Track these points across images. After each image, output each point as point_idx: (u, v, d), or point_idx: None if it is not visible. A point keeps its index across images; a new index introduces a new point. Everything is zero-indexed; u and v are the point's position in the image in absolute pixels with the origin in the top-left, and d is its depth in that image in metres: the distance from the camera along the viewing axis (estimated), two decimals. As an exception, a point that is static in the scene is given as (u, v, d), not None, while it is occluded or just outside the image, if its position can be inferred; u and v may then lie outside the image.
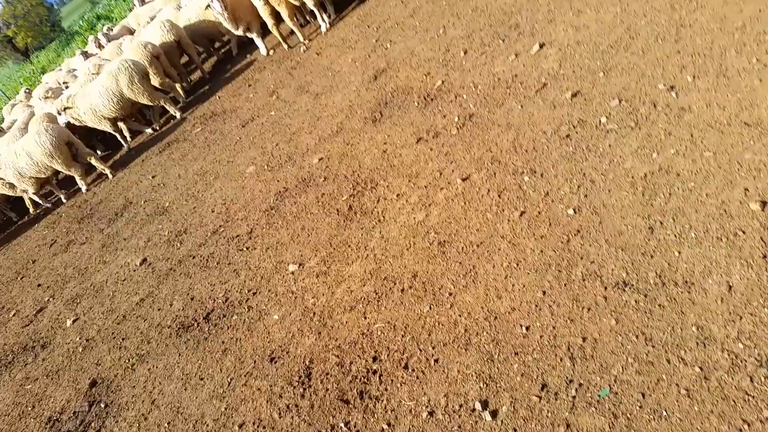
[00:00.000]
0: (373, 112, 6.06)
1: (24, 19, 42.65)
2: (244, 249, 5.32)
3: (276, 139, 7.02)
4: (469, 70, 5.58)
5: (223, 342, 4.33)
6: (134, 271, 6.09)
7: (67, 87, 12.33)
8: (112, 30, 16.36)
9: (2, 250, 9.63)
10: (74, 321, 5.84)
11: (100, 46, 15.06)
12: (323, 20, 9.29)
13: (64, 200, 9.95)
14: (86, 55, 14.89)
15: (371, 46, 7.64)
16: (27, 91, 16.36)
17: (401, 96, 5.99)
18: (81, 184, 9.65)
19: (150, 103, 9.74)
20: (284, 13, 9.10)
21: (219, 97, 9.80)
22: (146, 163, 9.13)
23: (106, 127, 10.01)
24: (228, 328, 4.45)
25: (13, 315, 6.96)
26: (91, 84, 9.87)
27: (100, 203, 8.74)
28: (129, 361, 4.71)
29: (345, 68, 7.61)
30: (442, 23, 6.87)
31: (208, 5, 10.07)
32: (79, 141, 9.55)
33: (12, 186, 10.07)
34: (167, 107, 9.95)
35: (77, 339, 5.47)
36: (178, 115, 9.98)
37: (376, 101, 6.22)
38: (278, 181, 6.07)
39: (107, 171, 9.50)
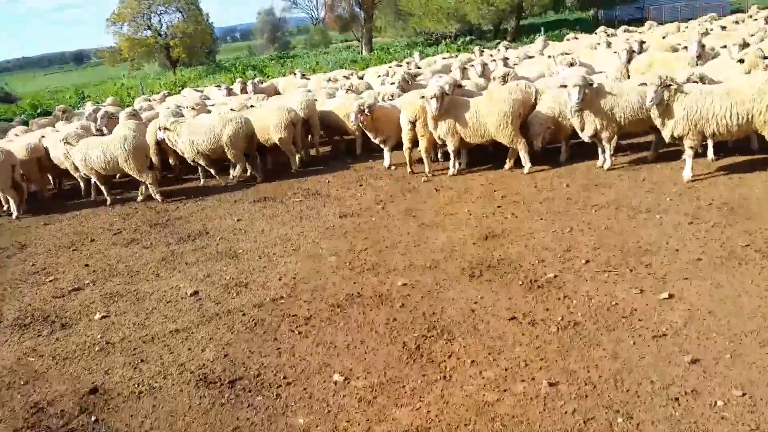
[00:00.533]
0: (474, 268, 5.94)
1: (189, 38, 46.79)
2: (296, 332, 5.09)
3: (366, 244, 6.98)
4: (586, 280, 5.42)
5: (237, 419, 4.00)
6: (183, 298, 5.95)
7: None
8: (262, 83, 17.56)
9: (69, 217, 9.79)
10: (103, 317, 5.67)
11: (244, 90, 16.09)
12: (454, 165, 9.53)
13: (139, 198, 10.20)
14: (229, 91, 15.86)
15: (491, 209, 7.68)
16: (166, 94, 17.50)
17: (507, 267, 5.86)
18: (153, 192, 9.93)
19: (233, 160, 10.22)
20: (422, 144, 9.46)
21: (328, 182, 10.03)
22: (237, 205, 9.28)
23: (199, 160, 10.32)
24: (248, 406, 4.13)
25: (50, 281, 6.89)
26: (202, 119, 10.41)
27: (179, 219, 8.84)
28: (139, 386, 4.43)
29: (458, 215, 7.64)
30: (570, 224, 6.84)
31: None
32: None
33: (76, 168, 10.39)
34: (236, 170, 10.43)
35: (98, 337, 5.27)
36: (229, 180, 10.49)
37: (480, 260, 6.12)
38: (355, 283, 5.93)
39: (158, 196, 9.90)
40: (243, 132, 9.96)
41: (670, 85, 7.36)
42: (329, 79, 15.94)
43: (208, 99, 15.03)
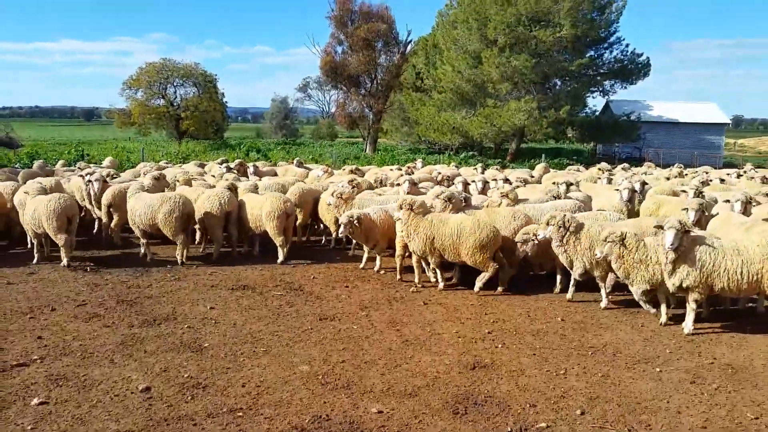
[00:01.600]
0: (458, 403, 5.40)
1: (200, 113, 47.73)
2: (250, 456, 4.48)
3: (343, 356, 6.45)
4: (581, 435, 4.89)
5: None
6: (132, 393, 5.33)
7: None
8: (264, 166, 17.56)
9: (37, 278, 9.23)
10: (41, 403, 5.04)
11: (245, 173, 16.04)
12: (440, 280, 9.19)
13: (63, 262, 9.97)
14: (228, 168, 15.74)
15: (481, 334, 7.22)
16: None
17: (495, 408, 5.32)
18: (63, 255, 9.82)
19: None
20: (415, 256, 9.18)
21: (313, 278, 9.60)
22: (214, 291, 8.78)
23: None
24: None
25: (-5, 350, 6.25)
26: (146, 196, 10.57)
27: (149, 298, 8.30)
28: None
29: (445, 335, 7.16)
30: (565, 365, 6.37)
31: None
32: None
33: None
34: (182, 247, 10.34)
35: (28, 428, 4.62)
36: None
37: (466, 394, 5.58)
38: (325, 402, 5.35)
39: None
40: (178, 212, 10.01)
41: (690, 231, 7.15)
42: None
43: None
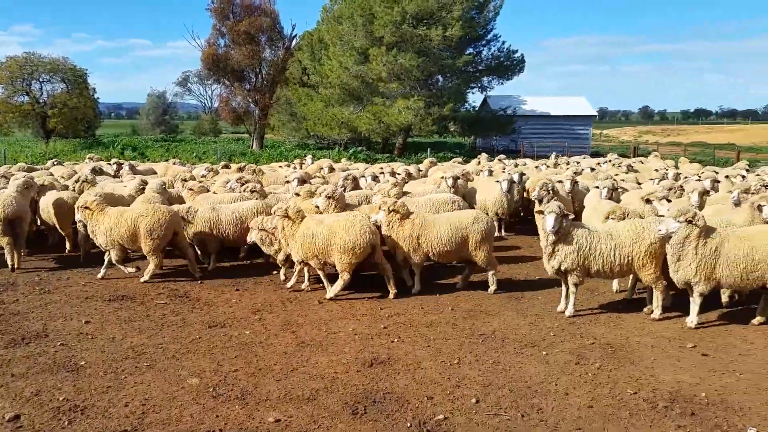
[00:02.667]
0: (357, 402, 5.33)
1: (69, 110, 44.20)
2: (137, 480, 4.14)
3: (236, 364, 6.17)
4: (478, 425, 4.99)
5: None
6: (0, 425, 4.77)
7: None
8: (138, 166, 16.58)
9: None
10: None
11: (116, 173, 15.09)
12: (330, 287, 8.51)
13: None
14: (100, 171, 14.63)
15: (378, 330, 7.21)
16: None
17: (394, 405, 5.30)
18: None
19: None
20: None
21: (200, 283, 9.15)
22: (88, 303, 8.12)
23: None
24: None
25: None
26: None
27: (16, 315, 7.53)
28: None
29: (342, 334, 7.07)
30: (458, 354, 6.50)
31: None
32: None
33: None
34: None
35: None
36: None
37: (365, 392, 5.53)
38: (217, 416, 5.07)
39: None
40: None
41: (568, 215, 7.54)
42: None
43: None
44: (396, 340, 6.90)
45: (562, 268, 7.58)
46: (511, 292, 8.83)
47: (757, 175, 13.23)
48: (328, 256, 8.33)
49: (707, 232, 7.01)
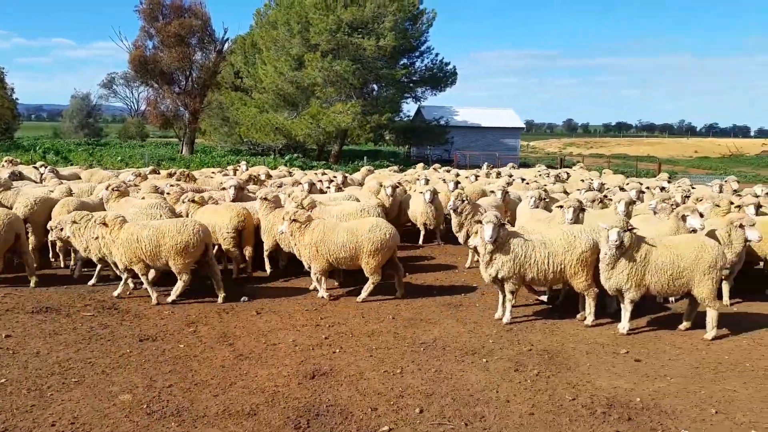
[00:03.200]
0: (300, 416, 5.19)
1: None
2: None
3: (171, 379, 5.91)
4: (423, 434, 4.97)
5: None
6: None
7: None
8: (60, 171, 15.75)
9: None
10: None
11: (40, 177, 14.31)
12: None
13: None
14: (14, 172, 13.74)
15: (319, 341, 7.08)
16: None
17: (337, 418, 5.20)
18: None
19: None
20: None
21: (130, 293, 8.73)
22: (9, 315, 7.59)
23: None
24: None
25: None
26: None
27: None
28: None
29: (282, 345, 6.91)
30: (401, 363, 6.47)
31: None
32: None
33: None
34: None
35: None
36: None
37: (307, 406, 5.40)
38: (152, 434, 4.82)
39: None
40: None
41: (504, 225, 7.66)
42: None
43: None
44: (338, 350, 6.80)
45: (499, 276, 7.70)
46: (450, 300, 8.91)
47: (678, 186, 13.94)
48: (158, 259, 8.24)
49: (637, 240, 7.31)
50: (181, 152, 41.83)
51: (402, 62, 38.89)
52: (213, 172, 16.77)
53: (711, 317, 7.29)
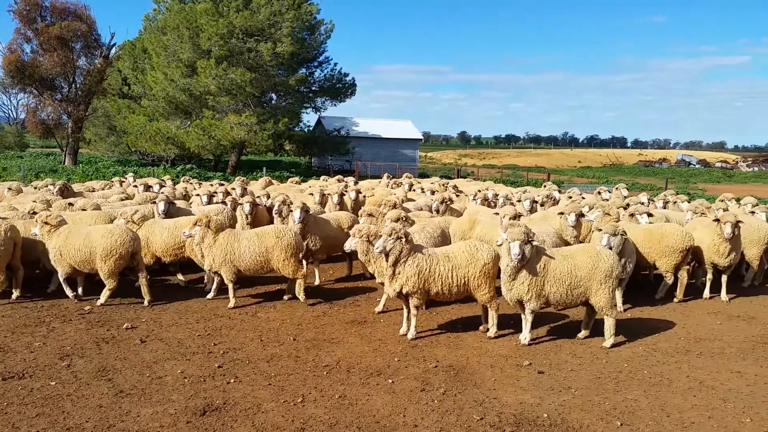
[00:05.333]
0: (188, 460, 4.65)
1: None
2: None
3: (40, 423, 5.19)
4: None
5: None
6: None
7: None
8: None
9: None
10: None
11: None
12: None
13: None
14: None
15: (211, 371, 6.50)
16: None
17: (232, 458, 4.71)
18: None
19: None
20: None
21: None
22: None
23: None
24: None
25: None
26: None
27: None
28: None
29: (170, 378, 6.27)
30: (302, 391, 6.05)
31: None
32: None
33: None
34: None
35: None
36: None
37: (197, 447, 4.86)
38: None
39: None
40: None
41: (401, 237, 7.43)
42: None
43: None
44: (233, 380, 6.27)
45: (404, 291, 7.49)
46: (354, 317, 8.60)
47: (570, 197, 14.47)
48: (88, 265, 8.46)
49: (537, 252, 7.34)
50: (64, 163, 38.85)
51: (300, 72, 38.42)
52: (92, 189, 15.47)
53: (609, 325, 7.46)
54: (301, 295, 9.02)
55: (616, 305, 7.62)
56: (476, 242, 7.93)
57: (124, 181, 17.12)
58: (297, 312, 8.77)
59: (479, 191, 14.31)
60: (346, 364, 6.81)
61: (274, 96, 38.45)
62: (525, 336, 7.57)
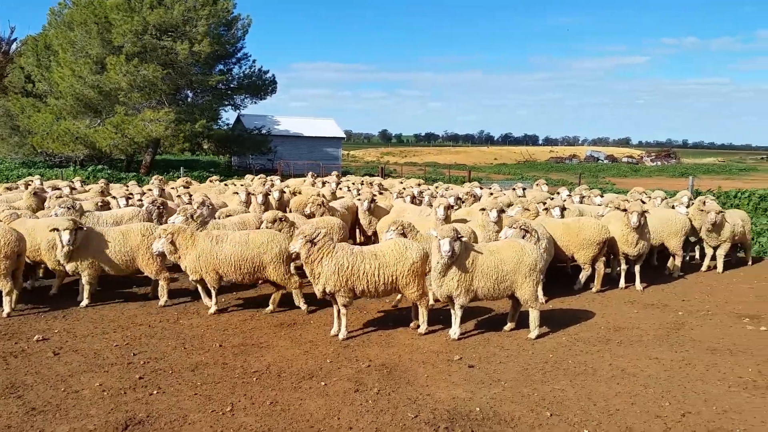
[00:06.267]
0: (110, 480, 4.36)
1: None
2: None
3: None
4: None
5: None
6: None
7: None
8: None
9: None
10: None
11: None
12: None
13: None
14: None
15: (132, 382, 6.15)
16: None
17: (158, 474, 4.46)
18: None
19: None
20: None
21: None
22: None
23: None
24: None
25: None
26: None
27: None
28: None
29: (87, 391, 5.88)
30: (231, 399, 5.83)
31: None
32: None
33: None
34: None
35: None
36: None
37: (119, 465, 4.57)
38: None
39: None
40: None
41: (314, 237, 7.36)
42: None
43: None
44: (156, 391, 5.95)
45: (327, 290, 7.40)
46: (283, 319, 8.41)
47: (491, 194, 14.81)
48: None
49: (465, 248, 7.44)
50: (-42, 165, 35.97)
51: (218, 68, 37.37)
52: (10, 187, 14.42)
53: (533, 317, 7.66)
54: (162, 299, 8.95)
55: (539, 298, 7.84)
56: (405, 240, 7.94)
57: (30, 184, 16.01)
58: (222, 317, 8.48)
59: (404, 189, 14.43)
60: (277, 369, 6.63)
61: (190, 93, 37.25)
62: (455, 331, 7.64)
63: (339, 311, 7.67)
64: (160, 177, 18.39)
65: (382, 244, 8.05)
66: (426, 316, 7.83)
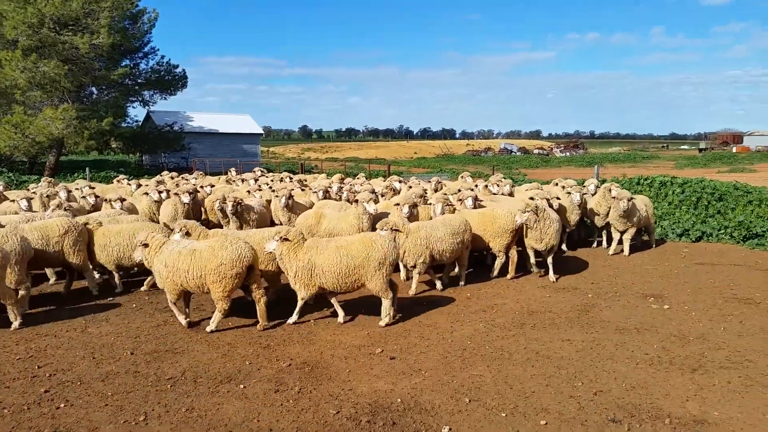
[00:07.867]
0: (11, 505, 4.07)
1: None
2: None
3: None
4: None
5: None
6: None
7: None
8: None
9: None
10: None
11: None
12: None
13: None
14: None
15: (36, 396, 5.77)
16: None
17: (65, 494, 4.20)
18: None
19: None
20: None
21: None
22: None
23: None
24: None
25: None
26: None
27: None
28: None
29: (-17, 412, 5.46)
30: (144, 408, 5.58)
31: None
32: None
33: None
34: None
35: None
36: None
37: (21, 488, 4.27)
38: None
39: None
40: None
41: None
42: None
43: None
44: (63, 404, 5.62)
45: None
46: (198, 322, 8.14)
47: (410, 187, 14.97)
48: None
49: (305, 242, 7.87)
50: None
51: (124, 63, 35.68)
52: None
53: (385, 306, 7.94)
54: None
55: (389, 288, 7.95)
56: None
57: None
58: (134, 323, 8.11)
59: (318, 185, 14.37)
60: (193, 374, 6.41)
61: (94, 90, 35.37)
62: (293, 318, 8.00)
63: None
64: (50, 178, 17.26)
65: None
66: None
